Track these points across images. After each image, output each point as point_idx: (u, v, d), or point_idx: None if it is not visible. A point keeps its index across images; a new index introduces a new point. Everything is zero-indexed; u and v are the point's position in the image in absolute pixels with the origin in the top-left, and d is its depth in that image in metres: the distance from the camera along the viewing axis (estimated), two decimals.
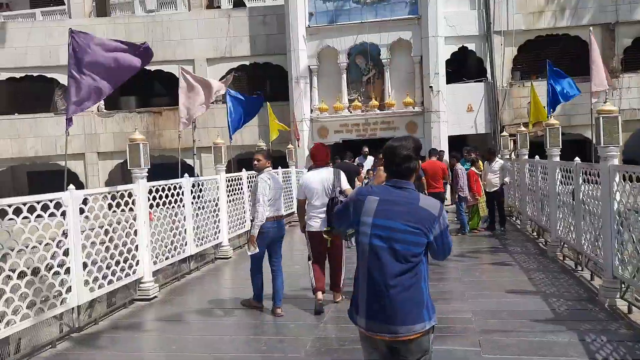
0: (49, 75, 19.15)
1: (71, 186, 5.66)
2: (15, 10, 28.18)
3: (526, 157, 10.96)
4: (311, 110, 17.51)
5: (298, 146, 16.53)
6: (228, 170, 10.24)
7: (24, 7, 28.99)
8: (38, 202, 5.11)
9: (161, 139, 18.88)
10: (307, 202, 6.17)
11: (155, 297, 6.88)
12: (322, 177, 6.07)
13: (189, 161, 18.19)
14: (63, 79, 19.08)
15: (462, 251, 9.04)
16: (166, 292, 7.21)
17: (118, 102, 19.38)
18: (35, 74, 19.17)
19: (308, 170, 13.61)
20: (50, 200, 5.30)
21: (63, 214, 5.46)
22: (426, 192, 8.56)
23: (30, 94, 19.78)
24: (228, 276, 8.50)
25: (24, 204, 4.92)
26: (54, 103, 20.04)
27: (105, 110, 19.17)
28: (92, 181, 19.12)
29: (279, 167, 13.59)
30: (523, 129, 11.56)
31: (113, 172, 19.36)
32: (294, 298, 6.46)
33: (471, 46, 17.11)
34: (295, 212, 6.83)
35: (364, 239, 2.59)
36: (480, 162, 11.84)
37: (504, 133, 14.01)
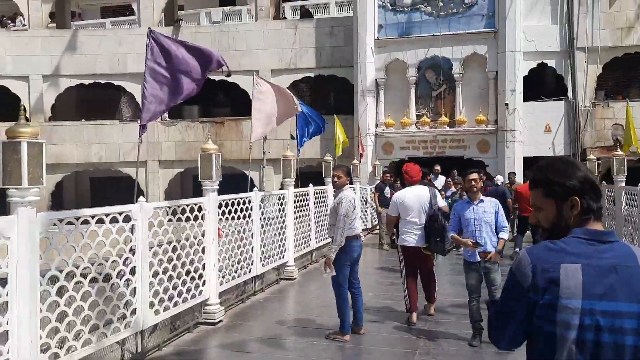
0: (116, 82, 19.38)
1: (141, 198, 5.22)
2: (87, 19, 29.10)
3: (623, 184, 9.89)
4: (376, 125, 16.85)
5: (361, 161, 15.88)
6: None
7: (95, 17, 29.92)
8: (107, 215, 4.67)
9: (222, 149, 18.44)
10: (399, 219, 6.28)
11: (221, 321, 6.34)
12: (417, 194, 6.21)
13: (248, 173, 17.87)
14: (130, 87, 19.28)
15: None
16: (231, 315, 6.67)
17: (181, 110, 19.35)
18: (103, 81, 19.43)
19: (376, 188, 13.06)
20: (120, 213, 4.85)
21: (131, 227, 5.03)
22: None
23: (97, 100, 20.08)
24: (295, 300, 7.89)
25: (92, 217, 4.50)
26: (120, 111, 20.27)
27: (168, 119, 19.17)
28: (152, 189, 19.12)
29: None
30: (620, 152, 10.48)
31: (173, 181, 19.31)
32: (375, 334, 5.79)
33: (551, 62, 16.03)
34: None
35: (567, 332, 1.58)
36: None
37: (591, 156, 12.88)
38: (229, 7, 26.42)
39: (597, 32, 15.67)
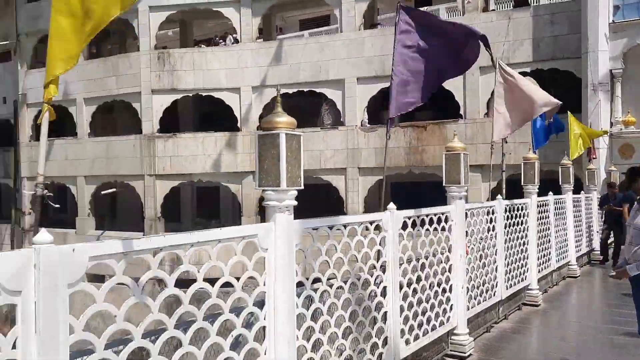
0: (318, 90, 19.57)
1: (391, 205, 4.37)
2: (287, 33, 30.56)
3: None
4: (611, 124, 14.26)
5: (592, 165, 13.51)
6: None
7: (294, 30, 31.34)
8: (360, 224, 3.92)
9: (424, 155, 17.68)
10: None
11: (470, 354, 5.24)
12: None
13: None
14: (331, 94, 19.33)
15: None
16: (480, 348, 5.52)
17: (381, 115, 18.79)
18: (305, 90, 19.77)
19: (601, 199, 10.93)
20: (371, 222, 4.07)
21: (381, 240, 4.22)
22: None
23: (299, 108, 20.46)
24: (550, 332, 6.43)
25: (345, 226, 3.76)
26: (321, 118, 20.45)
27: (368, 125, 18.76)
28: (351, 197, 18.84)
29: (582, 192, 11.01)
30: None
31: (372, 189, 18.78)
32: None
33: None
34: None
35: None
36: None
37: None
38: (425, 7, 25.41)
39: None
